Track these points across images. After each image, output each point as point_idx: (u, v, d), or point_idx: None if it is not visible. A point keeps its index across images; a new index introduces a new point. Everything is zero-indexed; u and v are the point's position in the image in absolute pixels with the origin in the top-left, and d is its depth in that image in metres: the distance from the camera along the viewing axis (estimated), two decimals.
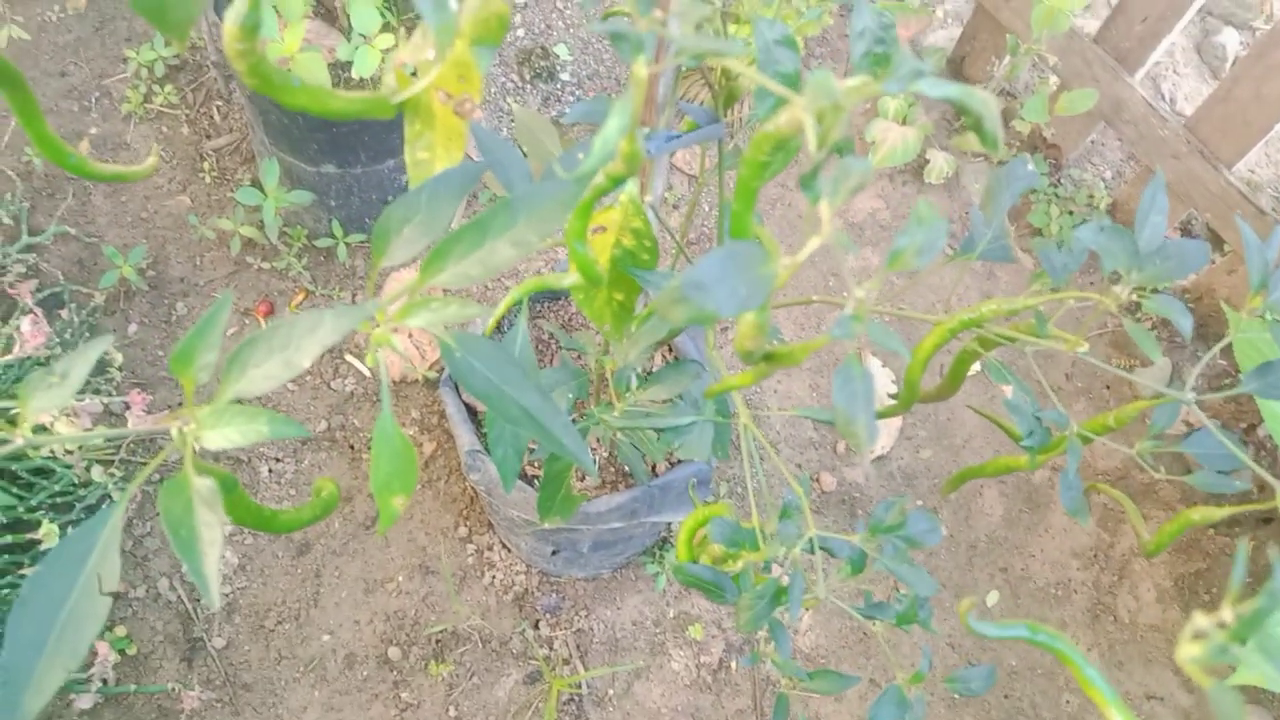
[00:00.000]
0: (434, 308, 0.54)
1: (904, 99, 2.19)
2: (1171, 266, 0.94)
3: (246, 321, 1.99)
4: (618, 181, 0.56)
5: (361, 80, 1.71)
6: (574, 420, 1.10)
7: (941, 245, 0.46)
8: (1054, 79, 2.20)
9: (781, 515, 0.88)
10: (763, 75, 0.45)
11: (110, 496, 1.77)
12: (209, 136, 2.11)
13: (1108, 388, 2.20)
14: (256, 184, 2.05)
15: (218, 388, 0.52)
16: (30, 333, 1.59)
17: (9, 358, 1.58)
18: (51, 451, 1.66)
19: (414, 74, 0.59)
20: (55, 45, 2.12)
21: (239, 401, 0.51)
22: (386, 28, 1.68)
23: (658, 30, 0.45)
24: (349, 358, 2.01)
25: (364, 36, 1.64)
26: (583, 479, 1.49)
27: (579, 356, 1.46)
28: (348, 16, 1.73)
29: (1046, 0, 1.94)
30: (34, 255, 1.88)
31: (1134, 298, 0.90)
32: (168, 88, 2.10)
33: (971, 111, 0.48)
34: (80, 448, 1.70)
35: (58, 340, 1.75)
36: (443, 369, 2.08)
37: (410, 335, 2.04)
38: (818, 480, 2.03)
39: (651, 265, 0.90)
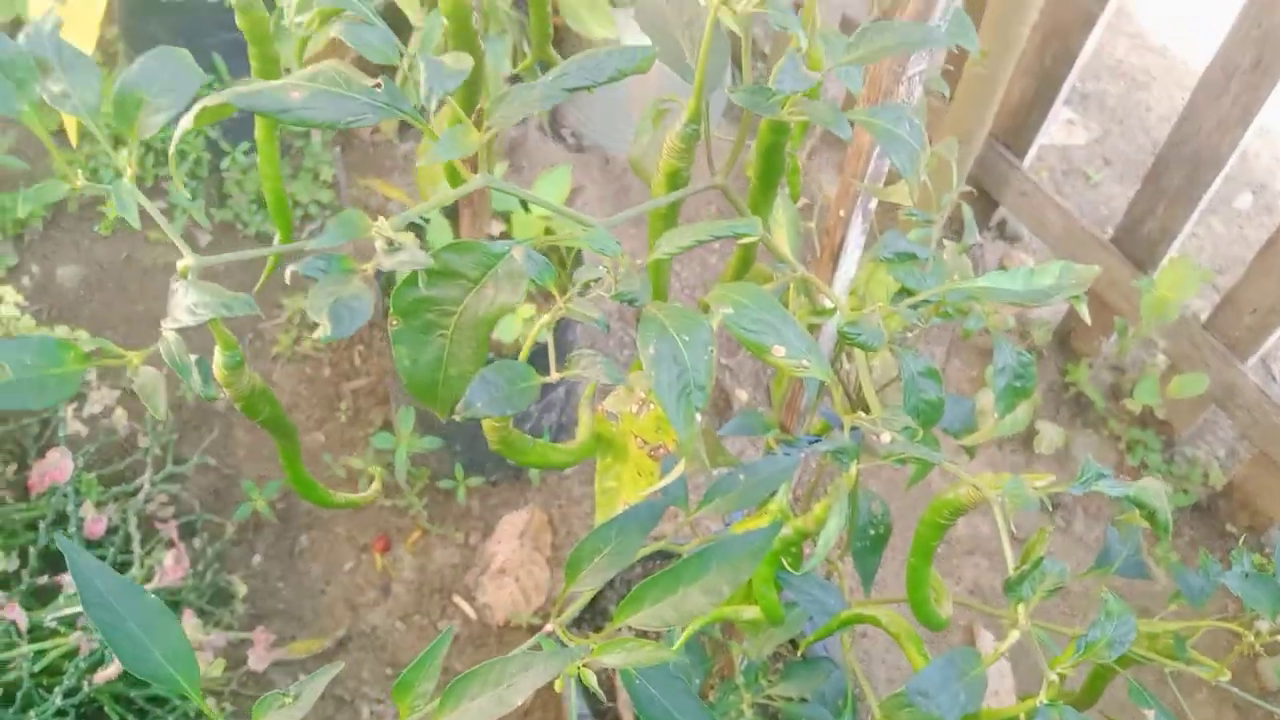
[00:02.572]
0: (629, 648, 0.58)
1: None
2: None
3: (364, 557, 2.06)
4: (805, 537, 0.61)
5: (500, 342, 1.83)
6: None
7: (1132, 638, 0.48)
8: (1163, 357, 2.23)
9: None
10: (954, 467, 0.50)
11: None
12: (348, 378, 2.26)
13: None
14: (388, 426, 2.16)
15: (432, 713, 0.56)
16: (171, 567, 1.68)
17: (149, 587, 1.66)
18: None
19: (614, 417, 0.66)
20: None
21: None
22: (529, 298, 1.81)
23: (857, 425, 0.50)
24: (456, 599, 2.05)
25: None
26: None
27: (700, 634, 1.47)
28: None
29: (1156, 290, 2.00)
30: (176, 484, 1.99)
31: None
32: (316, 332, 2.27)
33: (1146, 506, 0.52)
34: None
35: (190, 570, 1.83)
36: (546, 615, 2.10)
37: (518, 580, 2.07)
38: None
39: (795, 567, 0.94)
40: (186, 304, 0.42)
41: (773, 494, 0.81)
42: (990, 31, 2.03)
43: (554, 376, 0.51)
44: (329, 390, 2.25)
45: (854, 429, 0.56)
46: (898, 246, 0.86)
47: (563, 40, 2.67)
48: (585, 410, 0.67)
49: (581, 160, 2.80)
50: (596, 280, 0.49)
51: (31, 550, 1.75)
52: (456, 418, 0.45)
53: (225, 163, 2.38)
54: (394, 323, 0.53)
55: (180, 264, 0.44)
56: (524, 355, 0.52)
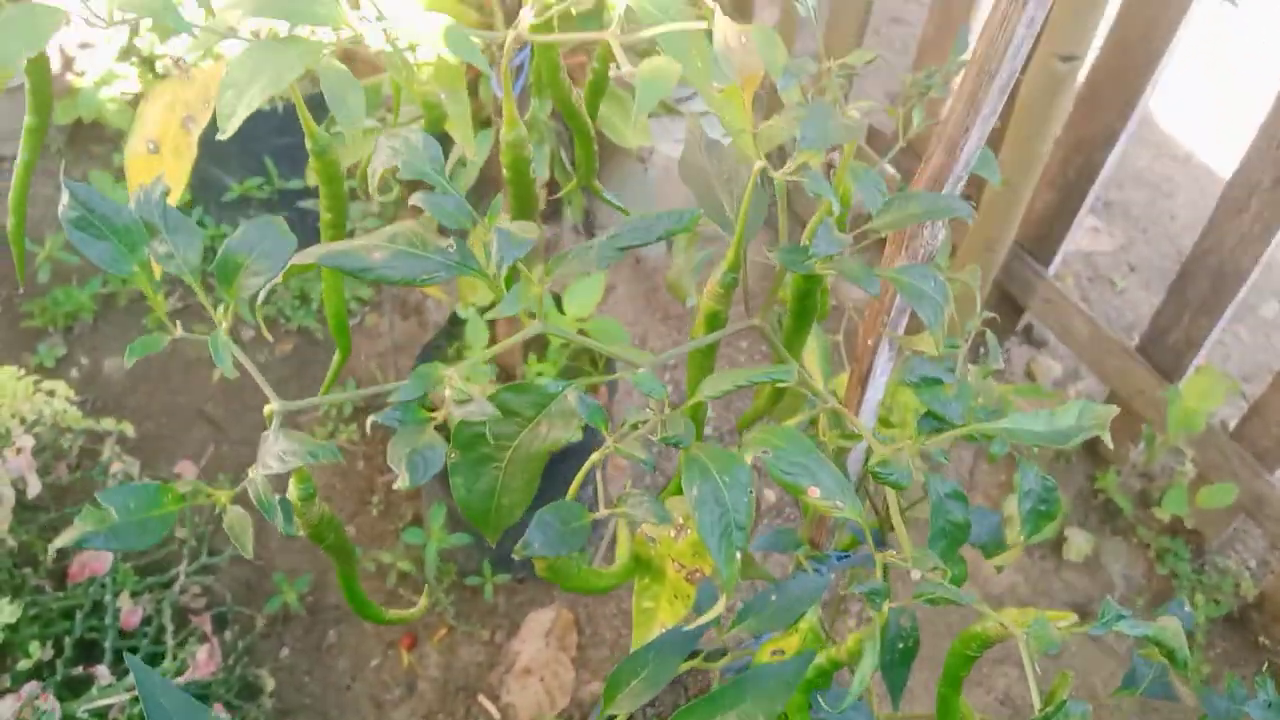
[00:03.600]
0: None
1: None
2: None
3: (390, 653, 2.07)
4: (838, 667, 0.63)
5: None
6: None
7: None
8: (1191, 466, 2.23)
9: None
10: (983, 607, 0.52)
11: None
12: (381, 472, 2.30)
13: None
14: (419, 521, 2.19)
15: None
16: (204, 661, 1.70)
17: (180, 680, 1.68)
18: None
19: (653, 541, 0.69)
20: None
21: None
22: None
23: (888, 562, 0.53)
24: (481, 698, 2.04)
25: None
26: None
27: None
28: None
29: (1182, 400, 2.02)
30: (209, 576, 2.02)
31: None
32: (351, 426, 2.32)
33: (1165, 646, 0.54)
34: None
35: (221, 664, 1.85)
36: (570, 718, 2.09)
37: (542, 680, 2.07)
38: None
39: (825, 685, 0.95)
40: (276, 451, 0.46)
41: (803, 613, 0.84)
42: (1013, 148, 2.09)
43: (602, 513, 0.54)
44: (361, 484, 2.29)
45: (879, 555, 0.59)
46: (923, 371, 0.90)
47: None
48: (624, 531, 0.70)
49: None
50: (644, 422, 0.53)
51: (67, 640, 1.78)
52: (514, 557, 0.49)
53: None
54: (452, 455, 0.57)
55: (267, 409, 0.48)
56: (572, 494, 0.55)
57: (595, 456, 0.54)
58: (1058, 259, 2.41)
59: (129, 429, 1.99)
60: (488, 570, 2.12)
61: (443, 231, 0.53)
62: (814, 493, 0.51)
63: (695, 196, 0.63)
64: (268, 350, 2.44)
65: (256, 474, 0.46)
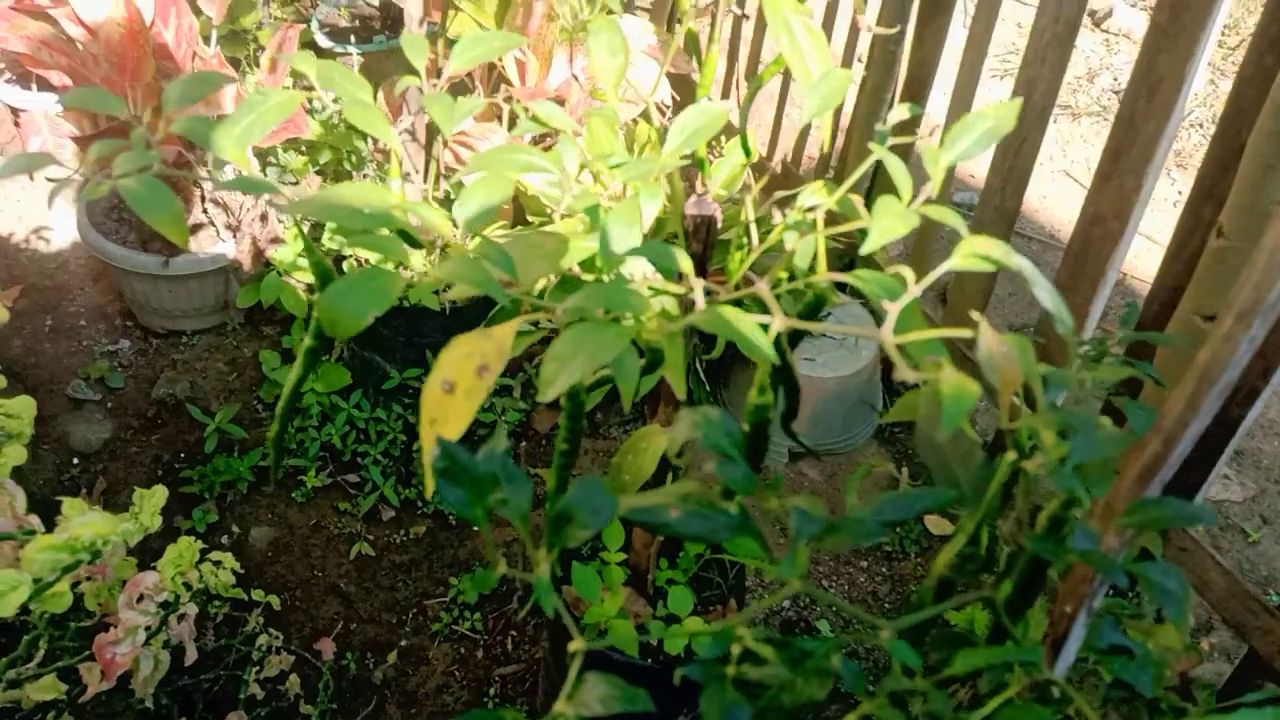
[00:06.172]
0: None
1: None
2: None
3: None
4: None
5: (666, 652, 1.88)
6: None
7: None
8: None
9: None
10: None
11: None
12: (500, 664, 2.32)
13: None
14: (534, 717, 2.19)
15: None
16: None
17: None
18: None
19: None
20: (393, 563, 2.47)
21: None
22: (696, 610, 1.88)
23: None
24: None
25: (676, 617, 1.84)
26: None
27: None
28: (657, 589, 1.96)
29: None
30: None
31: None
32: (475, 615, 2.36)
33: None
34: None
35: None
36: None
37: None
38: None
39: None
40: (598, 694, 0.51)
41: None
42: (1154, 398, 2.12)
43: None
44: (480, 673, 2.31)
45: None
46: (1112, 639, 0.92)
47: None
48: None
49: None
50: (906, 690, 0.57)
51: None
52: None
53: (417, 443, 2.58)
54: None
55: (572, 646, 0.54)
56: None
57: (851, 717, 0.58)
58: None
59: (275, 602, 2.07)
60: None
61: (726, 495, 0.60)
62: None
63: (931, 468, 0.70)
64: (402, 531, 2.53)
65: (568, 711, 0.52)
